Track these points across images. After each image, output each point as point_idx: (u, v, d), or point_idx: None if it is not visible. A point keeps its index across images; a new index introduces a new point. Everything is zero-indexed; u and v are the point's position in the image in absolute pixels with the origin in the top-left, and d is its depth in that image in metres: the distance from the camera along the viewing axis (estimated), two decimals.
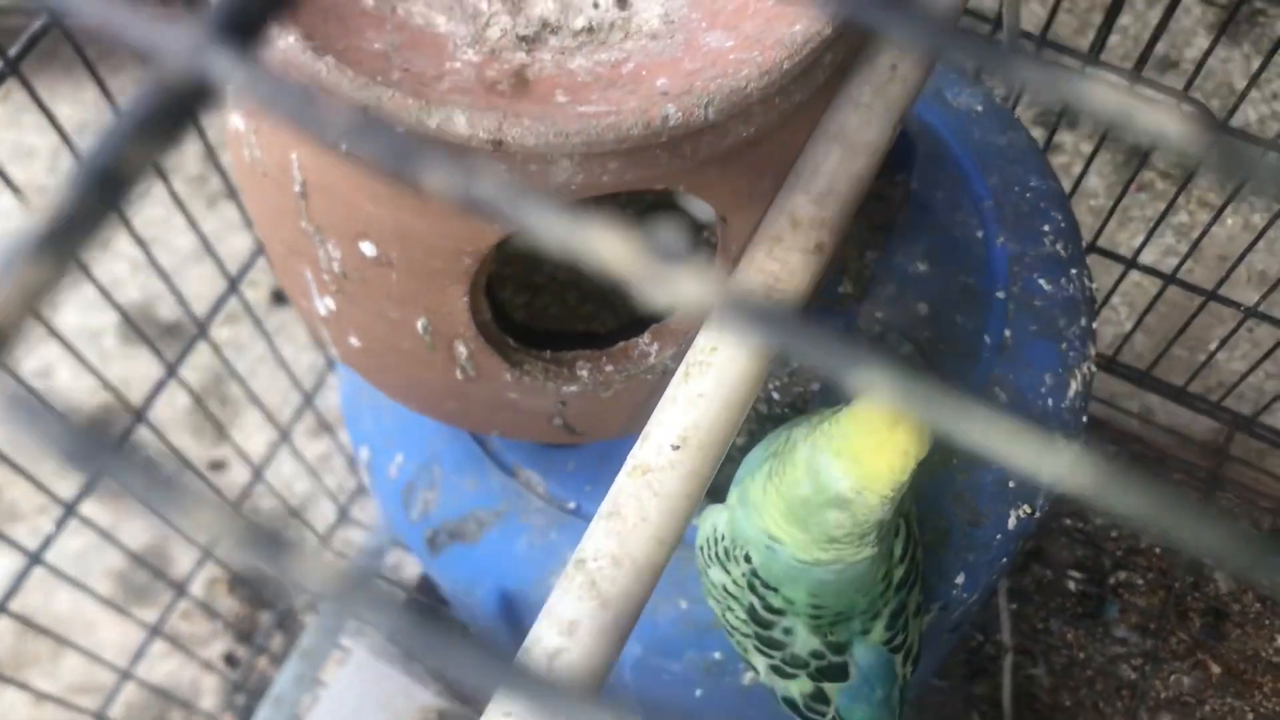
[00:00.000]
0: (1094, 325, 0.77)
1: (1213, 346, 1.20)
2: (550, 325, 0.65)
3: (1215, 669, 1.13)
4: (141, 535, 1.38)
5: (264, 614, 1.28)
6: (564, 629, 0.42)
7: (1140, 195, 1.58)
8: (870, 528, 0.53)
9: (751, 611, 0.60)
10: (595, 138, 0.43)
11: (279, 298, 1.50)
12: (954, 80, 0.82)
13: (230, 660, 1.22)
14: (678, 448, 0.45)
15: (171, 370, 1.01)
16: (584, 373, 0.59)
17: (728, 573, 0.61)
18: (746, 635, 0.62)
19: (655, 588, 0.45)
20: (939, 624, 0.75)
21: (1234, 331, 1.06)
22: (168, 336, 1.52)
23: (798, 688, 0.62)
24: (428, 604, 1.17)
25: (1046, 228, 0.77)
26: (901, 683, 0.62)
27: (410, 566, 1.18)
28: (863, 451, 0.50)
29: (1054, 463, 0.16)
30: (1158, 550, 1.19)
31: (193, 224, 0.94)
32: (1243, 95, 0.90)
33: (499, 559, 0.71)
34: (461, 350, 0.56)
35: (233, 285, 1.02)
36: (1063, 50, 0.90)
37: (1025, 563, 1.18)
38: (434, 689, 1.02)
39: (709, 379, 0.46)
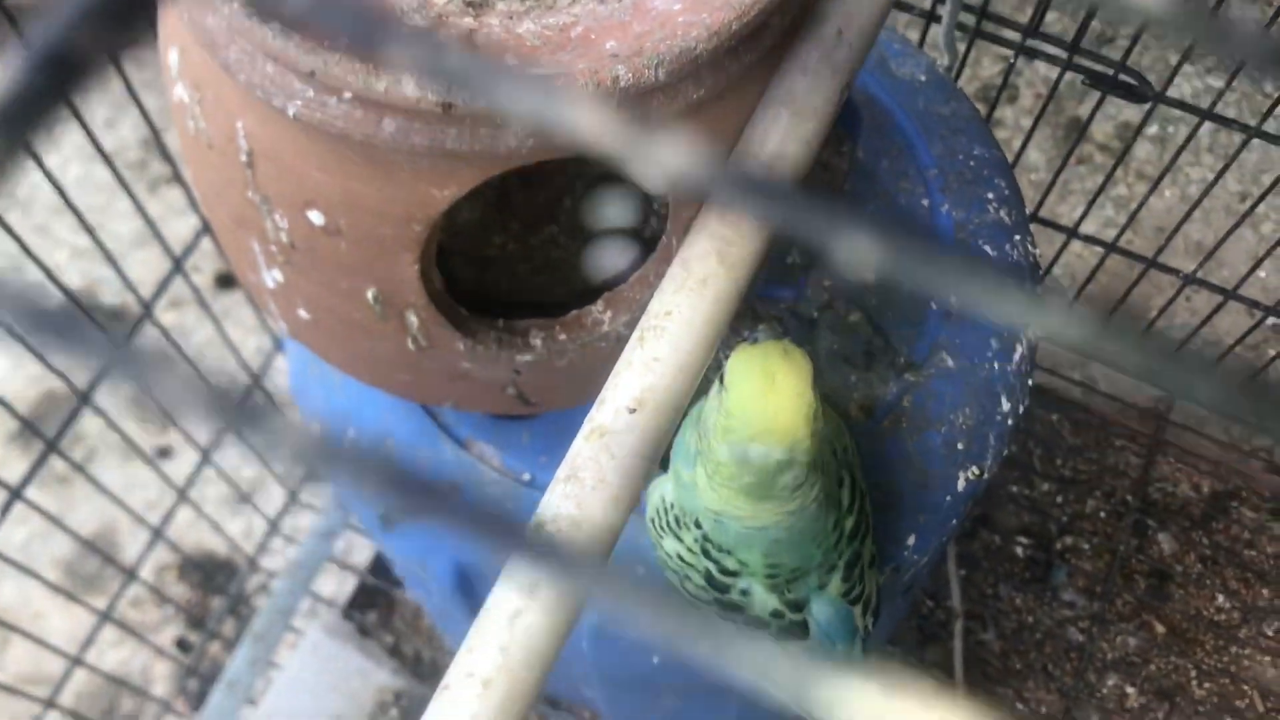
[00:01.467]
0: (1039, 291, 0.78)
1: (1152, 315, 1.22)
2: (501, 298, 0.65)
3: (1160, 629, 1.16)
4: (89, 522, 1.36)
5: (215, 599, 1.27)
6: (524, 590, 0.43)
7: (1079, 169, 1.60)
8: (818, 462, 0.54)
9: (708, 576, 0.61)
10: None
11: (224, 281, 1.49)
12: (898, 50, 0.83)
13: (182, 645, 1.21)
14: (634, 411, 0.45)
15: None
16: (537, 341, 0.59)
17: (680, 540, 0.61)
18: (706, 603, 0.63)
19: (613, 550, 0.45)
20: (892, 586, 0.75)
21: (1173, 299, 1.08)
22: (112, 322, 1.50)
23: None
24: (380, 586, 1.17)
25: (990, 195, 0.78)
26: (863, 634, 0.63)
27: (361, 549, 1.17)
28: (769, 417, 0.52)
29: (1040, 314, 0.16)
30: (1103, 514, 1.21)
31: (139, 206, 0.93)
32: (1177, 68, 0.92)
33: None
34: (413, 320, 0.56)
35: (178, 264, 1.01)
36: (1003, 23, 0.91)
37: (973, 529, 1.19)
38: (390, 668, 1.02)
39: (664, 343, 0.47)
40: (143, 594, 1.29)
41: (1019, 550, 1.19)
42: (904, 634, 1.16)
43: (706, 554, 0.60)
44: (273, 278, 0.58)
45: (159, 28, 0.54)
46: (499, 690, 0.41)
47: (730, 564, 0.60)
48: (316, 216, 0.51)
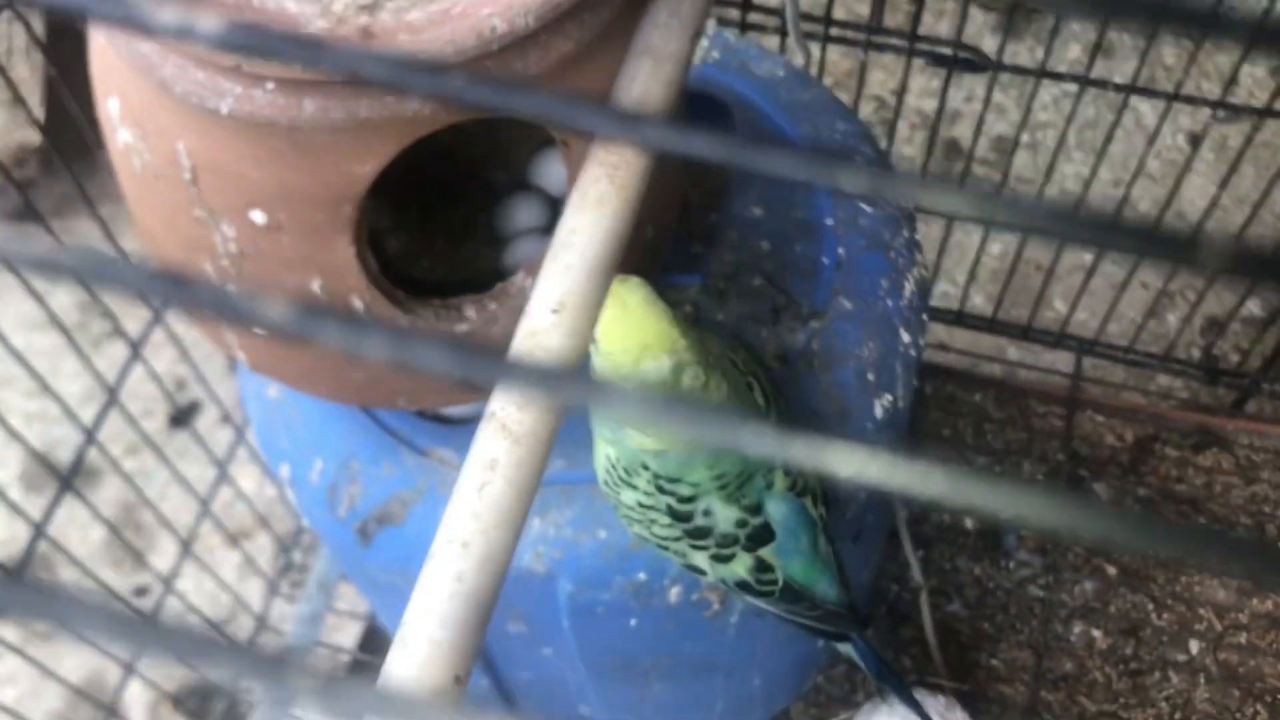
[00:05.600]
0: (916, 237, 0.87)
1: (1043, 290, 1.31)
2: (439, 276, 0.72)
3: (1112, 571, 1.22)
4: (76, 673, 1.38)
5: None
6: (486, 465, 0.49)
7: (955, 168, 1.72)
8: (707, 352, 0.60)
9: (670, 511, 0.66)
10: (437, 52, 0.51)
11: (176, 421, 1.54)
12: (756, 54, 0.93)
13: None
14: (557, 311, 0.52)
15: (68, 483, 1.03)
16: (471, 312, 0.65)
17: (635, 488, 0.67)
18: (678, 538, 0.68)
19: (557, 429, 0.51)
20: (840, 528, 0.82)
21: (1056, 258, 1.17)
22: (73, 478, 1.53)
23: (741, 566, 0.68)
24: (370, 662, 1.20)
25: (858, 160, 0.87)
26: (821, 526, 0.69)
27: (348, 629, 1.21)
28: (638, 335, 0.59)
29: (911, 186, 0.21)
30: (1039, 477, 1.28)
31: (84, 358, 0.99)
32: (1005, 39, 1.03)
33: (428, 531, 0.75)
34: (357, 304, 0.62)
35: (112, 394, 1.05)
36: (846, 25, 1.01)
37: (924, 512, 1.26)
38: None
39: (573, 254, 0.54)
40: None
41: (969, 523, 1.26)
42: (877, 620, 1.21)
43: (661, 490, 0.66)
44: None
45: (95, 85, 0.61)
46: (477, 549, 0.47)
47: (685, 490, 0.66)
48: (259, 215, 0.58)
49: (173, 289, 0.16)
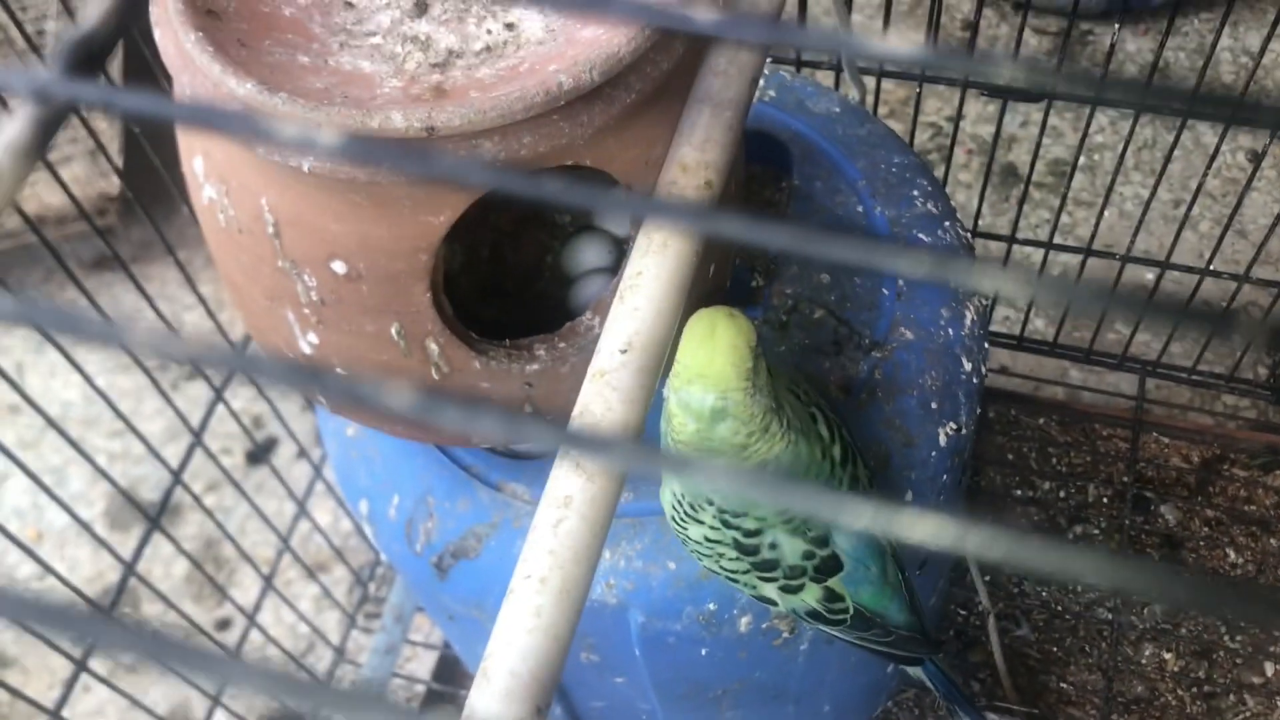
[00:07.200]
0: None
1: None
2: (507, 316, 0.74)
3: None
4: (161, 704, 1.42)
5: None
6: (561, 503, 0.51)
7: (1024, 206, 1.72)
8: (760, 417, 0.62)
9: (737, 545, 0.68)
10: (507, 109, 0.53)
11: (253, 457, 1.58)
12: (812, 91, 0.94)
13: None
14: (625, 351, 0.54)
15: (155, 523, 1.06)
16: (542, 351, 0.68)
17: (702, 523, 0.69)
18: (746, 571, 0.70)
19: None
20: (907, 555, 0.83)
21: (1117, 279, 1.18)
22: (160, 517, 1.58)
23: (811, 596, 0.70)
24: (446, 691, 1.22)
25: (915, 193, 0.89)
26: (890, 553, 0.70)
27: (424, 659, 1.24)
28: (704, 365, 0.61)
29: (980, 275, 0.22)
30: (1105, 500, 1.28)
31: (166, 397, 1.02)
32: (1059, 65, 1.04)
33: (503, 564, 0.78)
34: (433, 348, 0.65)
35: (197, 437, 1.08)
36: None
37: None
38: None
39: (640, 295, 0.56)
40: None
41: None
42: (946, 645, 1.21)
43: (727, 524, 0.68)
44: (309, 342, 0.67)
45: (180, 145, 0.65)
46: (554, 584, 0.49)
47: (750, 524, 0.67)
48: (339, 266, 0.61)
49: (308, 381, 0.18)
